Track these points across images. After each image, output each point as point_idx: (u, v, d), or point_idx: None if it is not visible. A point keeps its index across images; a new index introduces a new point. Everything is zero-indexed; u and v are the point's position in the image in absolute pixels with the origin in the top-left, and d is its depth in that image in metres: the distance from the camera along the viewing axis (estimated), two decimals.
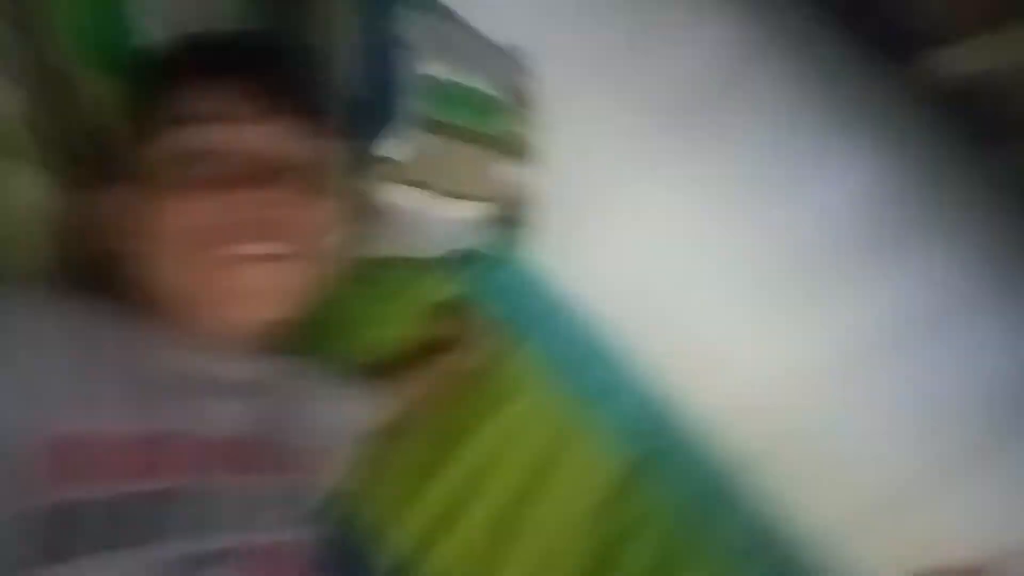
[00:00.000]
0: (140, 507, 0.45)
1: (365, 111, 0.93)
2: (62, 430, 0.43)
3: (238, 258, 0.51)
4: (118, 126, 0.60)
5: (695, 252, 1.35)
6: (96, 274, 0.59)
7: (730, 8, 1.23)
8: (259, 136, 0.54)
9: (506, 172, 1.12)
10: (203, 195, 0.51)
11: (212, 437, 0.52)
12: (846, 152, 1.22)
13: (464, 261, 1.11)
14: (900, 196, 1.23)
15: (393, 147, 0.98)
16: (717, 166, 1.27)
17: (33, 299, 0.51)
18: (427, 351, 0.92)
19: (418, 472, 0.83)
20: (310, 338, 0.81)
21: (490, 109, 1.08)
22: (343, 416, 0.72)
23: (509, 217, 1.18)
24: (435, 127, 1.01)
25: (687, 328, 1.38)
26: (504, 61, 1.11)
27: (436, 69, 0.97)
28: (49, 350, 0.46)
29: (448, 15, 1.04)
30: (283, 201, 0.53)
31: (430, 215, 1.04)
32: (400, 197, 1.01)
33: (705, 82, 1.23)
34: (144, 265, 0.54)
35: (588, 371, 1.16)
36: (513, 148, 1.12)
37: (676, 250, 1.35)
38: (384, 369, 0.85)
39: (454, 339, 0.96)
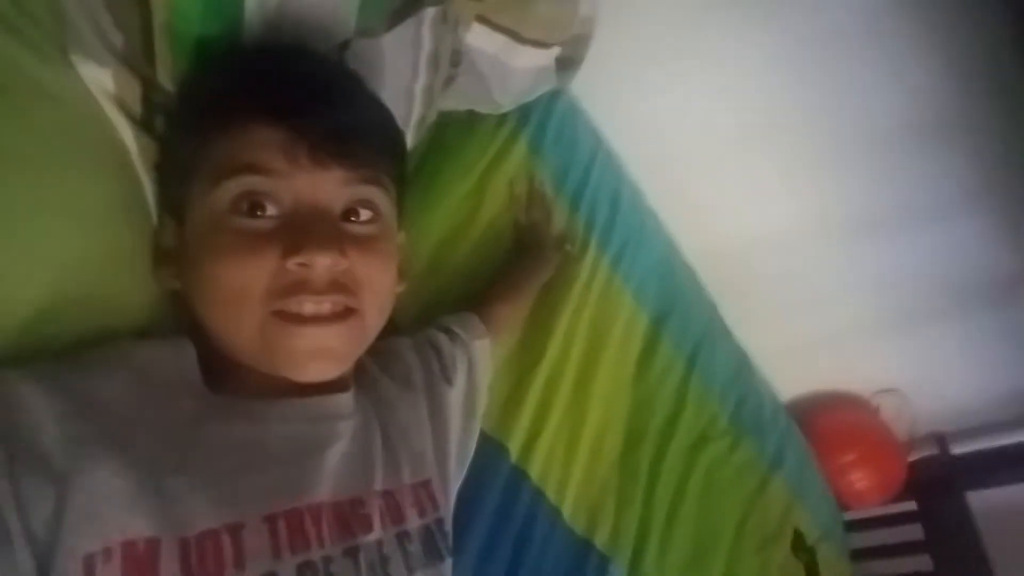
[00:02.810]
0: None
1: None
2: (131, 537, 0.39)
3: (298, 317, 0.47)
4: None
5: (725, 112, 1.32)
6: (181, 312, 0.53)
7: None
8: (317, 185, 0.48)
9: (587, 9, 1.01)
10: (260, 249, 0.46)
11: (307, 504, 0.47)
12: (907, 55, 1.18)
13: (530, 114, 1.04)
14: (943, 103, 1.24)
15: None
16: (773, 42, 1.21)
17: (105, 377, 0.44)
18: (515, 258, 0.92)
19: (515, 379, 0.86)
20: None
21: None
22: (459, 386, 0.68)
23: (573, 57, 1.09)
24: None
25: (695, 177, 1.42)
26: None
27: None
28: (112, 455, 0.40)
29: None
30: (339, 260, 0.47)
31: (508, 63, 0.94)
32: (484, 41, 0.90)
33: None
34: (205, 313, 0.49)
35: (617, 226, 1.18)
36: None
37: (706, 107, 1.32)
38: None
39: (537, 240, 0.95)
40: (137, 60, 0.49)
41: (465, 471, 0.68)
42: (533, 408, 0.85)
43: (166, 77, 0.51)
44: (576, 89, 1.20)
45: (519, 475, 0.81)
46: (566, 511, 0.85)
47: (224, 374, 0.50)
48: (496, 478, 0.78)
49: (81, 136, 0.48)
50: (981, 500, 1.69)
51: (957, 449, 1.77)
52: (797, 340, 1.69)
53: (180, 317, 0.53)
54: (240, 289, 0.46)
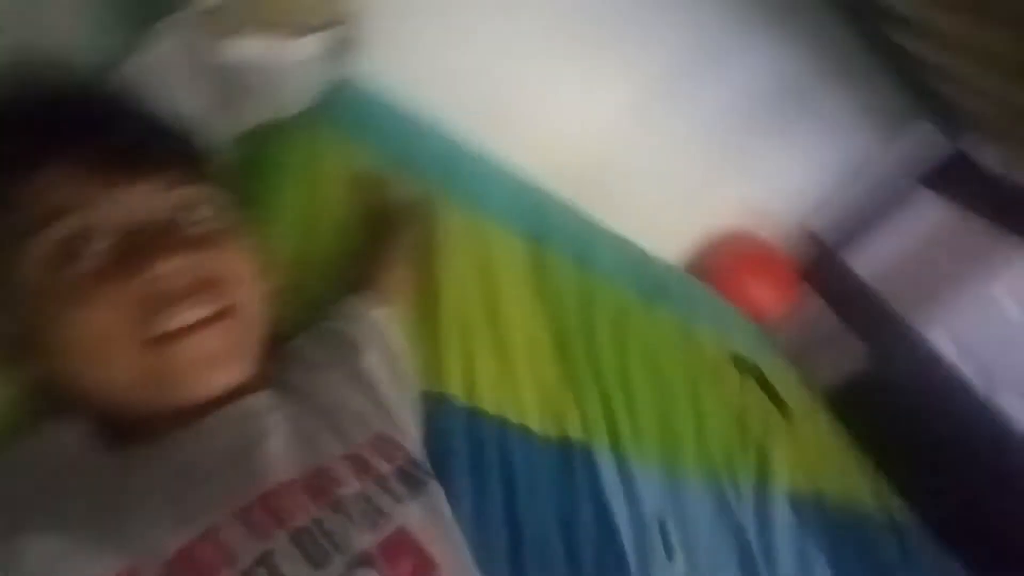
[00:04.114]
0: None
1: None
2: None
3: (174, 334, 0.45)
4: None
5: (521, 26, 1.39)
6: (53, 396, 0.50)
7: None
8: (134, 203, 0.47)
9: None
10: (106, 286, 0.44)
11: (274, 486, 0.46)
12: None
13: (330, 106, 1.04)
14: None
15: None
16: None
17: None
18: (373, 236, 0.91)
19: (428, 336, 0.86)
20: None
21: None
22: (372, 353, 0.67)
23: (349, 37, 1.09)
24: None
25: (508, 101, 1.49)
26: None
27: None
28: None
29: None
30: (192, 259, 0.47)
31: (282, 61, 0.94)
32: (249, 50, 0.89)
33: None
34: (80, 379, 0.47)
35: (461, 174, 1.22)
36: None
37: (500, 29, 1.38)
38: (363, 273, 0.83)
39: (389, 214, 0.96)
40: None
41: (420, 421, 0.69)
42: (457, 352, 0.87)
43: None
44: (374, 65, 1.20)
45: (475, 413, 0.82)
46: (533, 424, 0.88)
47: (132, 432, 0.47)
48: (456, 425, 0.79)
49: None
50: (863, 264, 1.91)
51: (827, 235, 1.97)
52: (664, 205, 1.81)
53: (57, 399, 0.50)
54: (104, 335, 0.44)
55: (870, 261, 1.91)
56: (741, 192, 1.88)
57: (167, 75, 0.71)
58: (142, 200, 0.48)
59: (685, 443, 1.09)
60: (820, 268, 1.92)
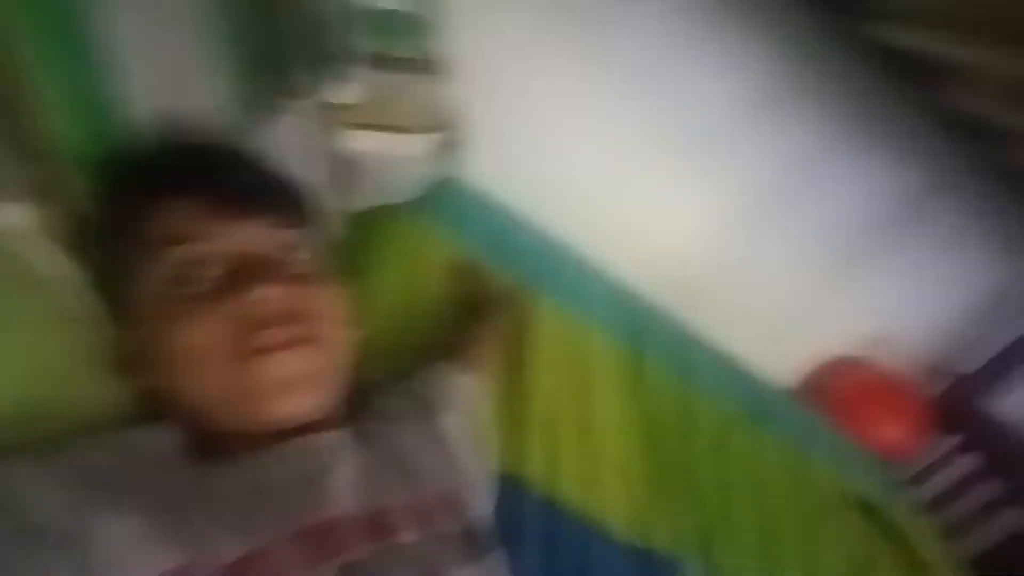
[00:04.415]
0: None
1: (305, 53, 0.87)
2: (167, 568, 0.41)
3: (266, 348, 0.50)
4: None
5: (600, 143, 1.45)
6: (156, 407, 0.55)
7: None
8: (245, 238, 0.54)
9: (444, 95, 1.10)
10: (211, 306, 0.50)
11: (333, 516, 0.48)
12: (722, 43, 1.36)
13: (435, 199, 1.10)
14: (772, 77, 1.41)
15: (341, 89, 0.92)
16: (613, 63, 1.36)
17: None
18: (464, 316, 0.94)
19: (513, 419, 0.86)
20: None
21: (415, 30, 1.04)
22: (453, 416, 0.69)
23: (454, 138, 1.17)
24: (377, 60, 0.96)
25: (606, 214, 1.51)
26: None
27: None
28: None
29: None
30: (288, 291, 0.52)
31: (395, 155, 1.01)
32: (367, 142, 0.97)
33: None
34: (180, 391, 0.52)
35: (556, 271, 1.23)
36: (440, 68, 1.10)
37: (581, 144, 1.44)
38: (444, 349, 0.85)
39: (482, 299, 0.99)
40: (50, 189, 0.53)
41: (493, 497, 0.67)
42: (542, 441, 0.85)
43: (79, 197, 0.55)
44: (479, 165, 1.28)
45: (553, 503, 0.79)
46: (616, 527, 0.82)
47: (215, 448, 0.51)
48: (532, 512, 0.76)
49: (13, 267, 0.51)
50: (1008, 407, 1.67)
51: (960, 369, 1.77)
52: (766, 325, 1.71)
53: (160, 412, 0.54)
54: (203, 350, 0.49)
55: (1015, 404, 1.68)
56: (855, 315, 1.75)
57: (287, 147, 0.78)
58: (252, 236, 0.54)
59: None
60: (954, 406, 1.71)
